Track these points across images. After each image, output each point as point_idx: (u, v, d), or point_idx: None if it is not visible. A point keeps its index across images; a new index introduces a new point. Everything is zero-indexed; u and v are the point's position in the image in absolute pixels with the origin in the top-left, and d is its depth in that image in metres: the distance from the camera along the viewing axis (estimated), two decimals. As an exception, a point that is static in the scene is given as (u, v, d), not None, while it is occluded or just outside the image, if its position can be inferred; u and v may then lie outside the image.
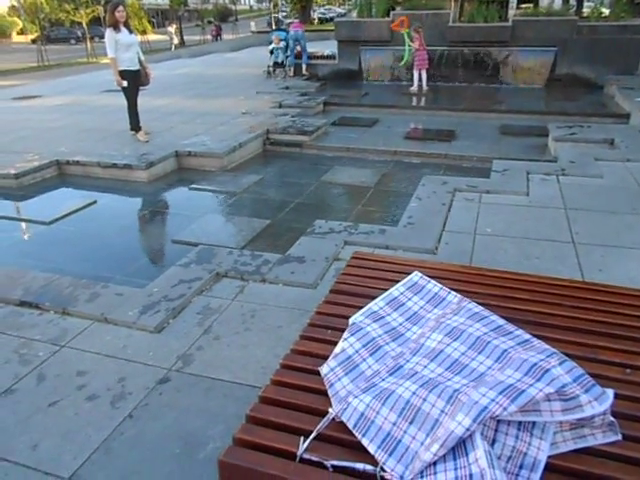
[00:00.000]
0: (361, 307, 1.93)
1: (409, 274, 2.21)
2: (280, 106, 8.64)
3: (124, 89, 6.44)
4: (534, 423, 1.26)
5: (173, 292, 3.03)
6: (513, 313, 1.88)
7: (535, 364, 1.25)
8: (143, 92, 6.97)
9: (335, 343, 1.74)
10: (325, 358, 1.67)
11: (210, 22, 37.23)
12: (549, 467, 1.24)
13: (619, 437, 1.32)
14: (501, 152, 6.02)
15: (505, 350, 1.34)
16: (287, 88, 10.09)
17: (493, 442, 1.23)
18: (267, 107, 8.50)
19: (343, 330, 1.80)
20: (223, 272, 3.29)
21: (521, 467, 1.22)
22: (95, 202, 5.11)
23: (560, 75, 9.76)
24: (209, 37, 32.26)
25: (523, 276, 2.20)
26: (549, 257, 3.32)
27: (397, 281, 2.15)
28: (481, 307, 1.53)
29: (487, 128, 7.31)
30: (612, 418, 1.27)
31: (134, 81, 6.45)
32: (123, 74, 6.28)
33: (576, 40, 9.47)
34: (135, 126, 6.72)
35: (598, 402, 1.20)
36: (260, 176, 5.81)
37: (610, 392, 1.22)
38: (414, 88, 9.63)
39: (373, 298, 1.99)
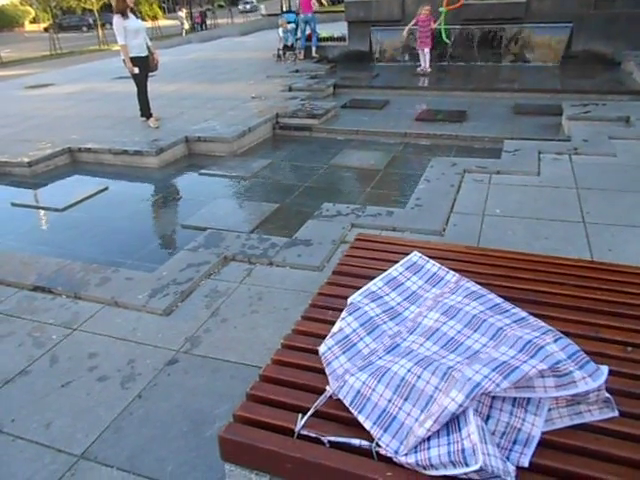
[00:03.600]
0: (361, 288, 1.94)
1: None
2: (290, 89, 8.59)
3: (134, 76, 6.46)
4: (529, 399, 1.27)
5: (182, 276, 3.07)
6: (516, 292, 1.88)
7: (530, 341, 1.25)
8: (153, 78, 6.99)
9: (334, 324, 1.76)
10: (325, 338, 1.69)
11: (221, 6, 36.77)
12: (544, 443, 1.25)
13: (616, 413, 1.32)
14: (514, 132, 5.93)
15: (500, 328, 1.34)
16: (297, 71, 10.02)
17: (487, 418, 1.24)
18: (277, 91, 8.46)
19: (342, 311, 1.82)
20: (231, 256, 3.32)
21: (515, 442, 1.23)
22: (107, 188, 5.17)
23: (576, 52, 9.51)
24: (190, 24, 28.83)
25: (527, 256, 2.19)
26: (558, 237, 3.28)
27: (403, 264, 2.16)
28: (479, 286, 1.53)
29: (500, 108, 7.19)
30: (607, 394, 1.27)
31: (143, 67, 6.46)
32: (133, 61, 6.29)
33: (593, 15, 9.20)
34: (146, 112, 6.75)
35: (592, 378, 1.20)
36: (269, 160, 5.81)
37: (605, 369, 1.22)
38: (422, 68, 9.50)
39: (373, 279, 2.00)
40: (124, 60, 6.34)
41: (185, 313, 2.77)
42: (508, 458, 1.21)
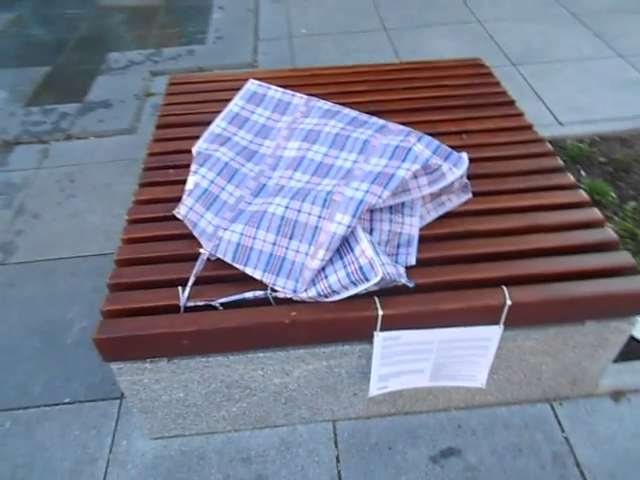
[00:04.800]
0: (199, 136, 1.71)
1: (240, 89, 1.99)
2: None
3: None
4: (403, 203, 1.29)
5: (-46, 177, 2.41)
6: (356, 106, 1.83)
7: (397, 146, 1.23)
8: None
9: (183, 182, 1.55)
10: (176, 200, 1.48)
11: None
12: (422, 239, 1.32)
13: (470, 195, 1.43)
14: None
15: (366, 140, 1.29)
16: None
17: (371, 232, 1.25)
18: None
19: (187, 166, 1.60)
20: (13, 139, 2.68)
21: (399, 246, 1.27)
22: None
23: None
24: None
25: (354, 68, 2.12)
26: (367, 49, 3.28)
27: (229, 100, 1.93)
28: (330, 103, 1.42)
29: None
30: (467, 180, 1.36)
31: None
32: None
33: None
34: None
35: (457, 167, 1.25)
36: (15, 13, 4.56)
37: (465, 155, 1.27)
38: None
39: (210, 123, 1.77)
40: None
41: (-20, 221, 2.24)
42: (397, 262, 1.25)
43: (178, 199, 1.49)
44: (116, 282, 1.25)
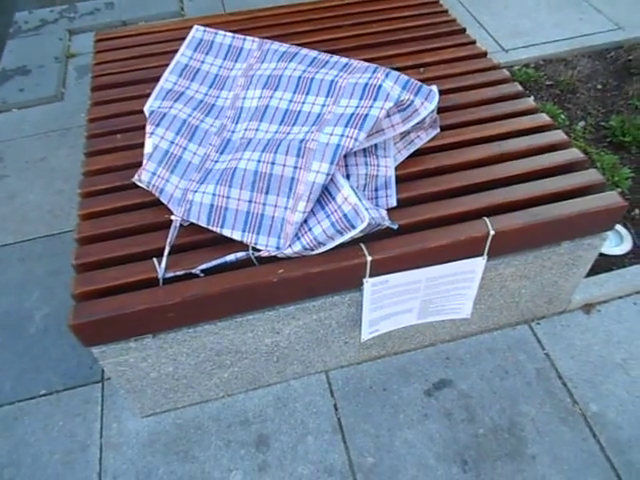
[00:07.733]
0: (144, 94, 1.58)
1: (178, 39, 1.84)
2: None
3: None
4: (376, 145, 1.25)
5: None
6: (306, 47, 1.74)
7: (366, 84, 1.17)
8: None
9: (134, 146, 1.43)
10: (131, 167, 1.37)
11: None
12: (396, 180, 1.29)
13: (438, 130, 1.40)
14: None
15: (332, 81, 1.21)
16: None
17: (348, 177, 1.20)
18: None
19: (136, 128, 1.48)
20: None
21: (377, 189, 1.24)
22: None
23: None
24: None
25: (296, 7, 2.00)
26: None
27: (170, 52, 1.78)
28: (286, 45, 1.33)
29: None
30: (436, 114, 1.33)
31: None
32: None
33: None
34: None
35: (428, 101, 1.21)
36: None
37: (435, 87, 1.23)
38: None
39: (154, 78, 1.63)
40: None
41: None
42: (378, 205, 1.22)
43: (132, 165, 1.38)
44: (83, 262, 1.15)
